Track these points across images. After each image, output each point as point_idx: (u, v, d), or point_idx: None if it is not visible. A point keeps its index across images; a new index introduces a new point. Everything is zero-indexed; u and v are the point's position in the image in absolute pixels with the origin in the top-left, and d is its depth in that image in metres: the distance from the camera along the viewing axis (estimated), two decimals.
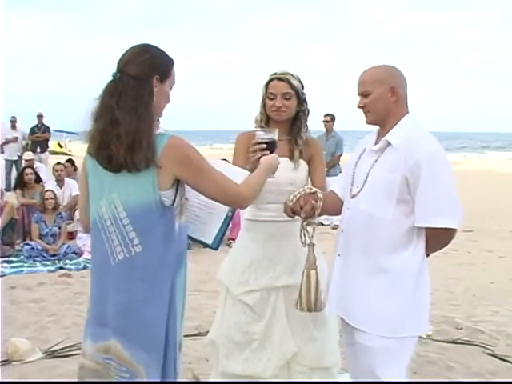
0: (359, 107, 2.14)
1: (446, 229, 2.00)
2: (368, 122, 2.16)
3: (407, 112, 2.12)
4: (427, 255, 2.11)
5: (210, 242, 1.96)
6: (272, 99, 2.56)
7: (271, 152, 2.27)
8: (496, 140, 57.10)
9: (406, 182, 1.99)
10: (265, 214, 2.54)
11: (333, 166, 8.36)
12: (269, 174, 2.04)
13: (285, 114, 2.57)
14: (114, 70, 1.81)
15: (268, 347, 2.54)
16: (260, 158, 2.21)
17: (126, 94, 1.73)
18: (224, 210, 1.95)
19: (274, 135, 2.33)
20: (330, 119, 8.73)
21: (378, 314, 2.06)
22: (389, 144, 2.07)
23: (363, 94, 2.11)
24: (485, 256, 7.06)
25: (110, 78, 1.79)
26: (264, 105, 2.62)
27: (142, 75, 1.76)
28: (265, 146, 2.28)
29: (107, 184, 1.80)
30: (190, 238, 1.98)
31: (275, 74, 2.58)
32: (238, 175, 2.00)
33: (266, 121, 2.65)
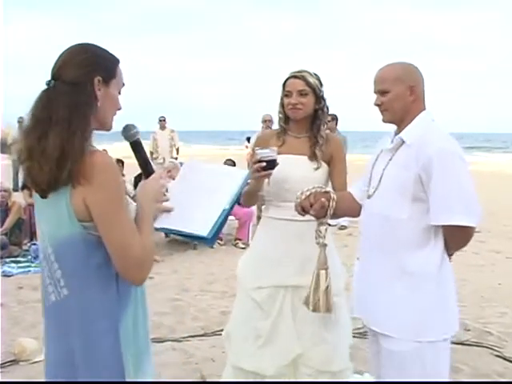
0: (376, 105, 2.07)
1: (461, 227, 1.91)
2: (385, 121, 2.09)
3: (424, 109, 2.05)
4: (449, 256, 2.04)
5: (205, 234, 1.74)
6: (288, 97, 2.56)
7: (271, 169, 2.34)
8: (497, 140, 56.88)
9: (419, 180, 1.92)
10: (279, 212, 2.53)
11: None
12: (152, 203, 1.61)
13: (301, 111, 2.55)
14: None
15: (273, 345, 2.53)
16: (262, 176, 2.34)
17: (58, 104, 1.45)
18: (222, 203, 1.83)
19: (274, 154, 2.35)
20: (331, 119, 8.73)
21: (399, 316, 1.99)
22: (403, 142, 2.01)
23: (381, 92, 2.04)
24: (493, 257, 7.02)
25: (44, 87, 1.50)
26: (282, 104, 2.61)
27: (80, 79, 1.48)
28: (264, 164, 2.33)
29: (39, 211, 1.55)
30: (180, 234, 1.82)
31: (292, 72, 2.58)
32: (237, 175, 1.95)
33: (285, 120, 2.64)
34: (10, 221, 6.94)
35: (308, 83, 2.53)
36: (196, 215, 1.77)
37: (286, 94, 2.56)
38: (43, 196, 1.48)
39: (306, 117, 2.59)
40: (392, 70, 2.04)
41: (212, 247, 7.23)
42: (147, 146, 10.98)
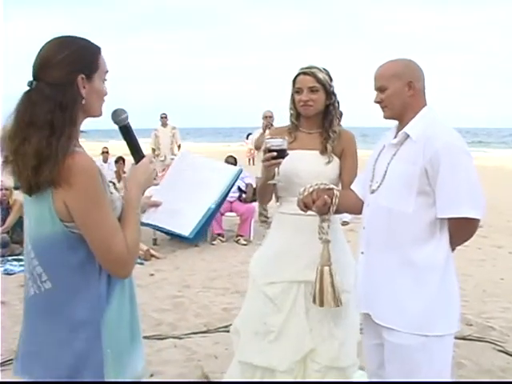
0: (376, 102, 2.09)
1: (468, 219, 1.95)
2: (385, 117, 2.12)
3: (425, 105, 2.08)
4: (452, 250, 2.06)
5: (186, 234, 1.76)
6: (299, 94, 2.55)
7: (281, 158, 2.34)
8: (497, 135, 56.78)
9: (425, 174, 1.95)
10: (291, 207, 2.50)
11: None
12: (141, 190, 1.61)
13: (312, 108, 2.54)
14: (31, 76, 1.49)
15: (284, 341, 2.52)
16: (272, 164, 2.33)
17: (41, 107, 1.42)
18: (208, 201, 1.84)
19: (284, 143, 2.35)
20: None
21: (406, 310, 2.01)
22: (407, 137, 2.03)
23: (379, 89, 2.07)
24: (495, 252, 7.02)
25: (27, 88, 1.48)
26: (293, 101, 2.60)
27: (63, 79, 1.44)
28: (275, 153, 2.33)
29: (26, 209, 1.57)
30: (164, 231, 1.87)
31: (301, 68, 2.57)
32: (227, 173, 1.94)
33: (296, 116, 2.63)
34: (11, 219, 6.94)
35: (318, 79, 2.52)
36: (182, 212, 1.78)
37: (297, 90, 2.56)
38: (29, 195, 1.49)
39: (317, 113, 2.58)
40: (390, 67, 2.07)
41: (205, 244, 7.23)
42: (149, 144, 10.99)
